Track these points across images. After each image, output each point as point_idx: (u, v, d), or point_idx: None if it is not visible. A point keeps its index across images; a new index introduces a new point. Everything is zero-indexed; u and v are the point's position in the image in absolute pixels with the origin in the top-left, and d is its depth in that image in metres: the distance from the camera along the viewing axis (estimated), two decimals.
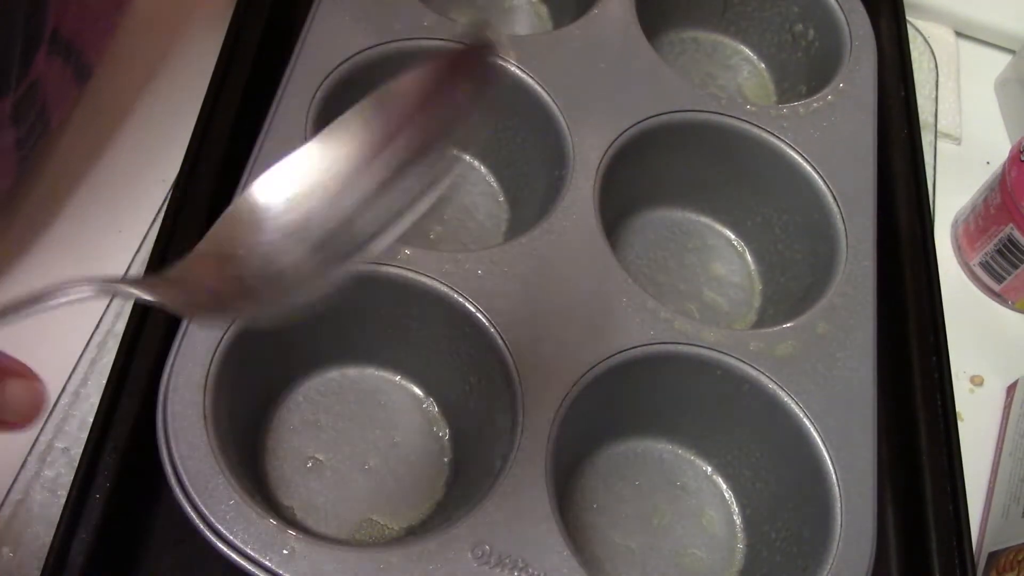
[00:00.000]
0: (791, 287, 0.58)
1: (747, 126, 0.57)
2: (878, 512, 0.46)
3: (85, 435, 0.45)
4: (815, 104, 0.59)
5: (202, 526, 0.40)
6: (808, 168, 0.57)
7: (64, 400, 0.50)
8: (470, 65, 0.31)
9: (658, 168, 0.59)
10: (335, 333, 0.51)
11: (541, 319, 0.48)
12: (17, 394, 0.29)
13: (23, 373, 0.29)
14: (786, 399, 0.49)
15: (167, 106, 0.62)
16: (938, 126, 0.71)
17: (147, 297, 0.30)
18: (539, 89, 0.56)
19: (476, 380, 0.50)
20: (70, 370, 0.51)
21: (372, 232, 0.29)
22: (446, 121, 0.30)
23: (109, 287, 0.29)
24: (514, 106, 0.57)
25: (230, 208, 0.32)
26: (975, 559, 0.54)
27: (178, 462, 0.41)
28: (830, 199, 0.56)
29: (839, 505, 0.46)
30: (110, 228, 0.57)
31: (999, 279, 0.64)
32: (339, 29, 0.55)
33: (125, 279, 0.30)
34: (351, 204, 0.32)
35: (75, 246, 0.56)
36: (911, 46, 0.67)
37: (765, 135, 0.57)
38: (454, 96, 0.31)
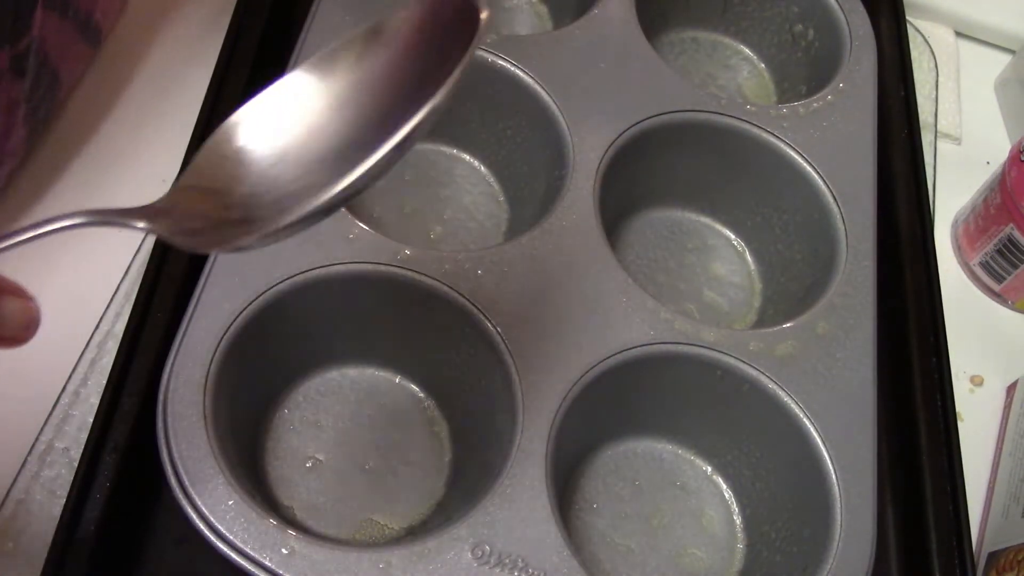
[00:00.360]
0: (791, 287, 0.58)
1: (747, 126, 0.57)
2: (878, 512, 0.46)
3: (85, 435, 0.45)
4: (815, 104, 0.59)
5: (202, 526, 0.40)
6: (808, 168, 0.57)
7: (64, 400, 0.50)
8: (455, 15, 0.32)
9: (658, 168, 0.59)
10: (335, 333, 0.51)
11: (541, 319, 0.48)
12: (12, 311, 0.30)
13: (17, 292, 0.30)
14: (786, 399, 0.49)
15: (170, 98, 0.62)
16: (938, 126, 0.71)
17: (140, 225, 0.30)
18: (539, 89, 0.56)
19: (476, 380, 0.50)
20: (70, 370, 0.51)
21: (355, 165, 0.30)
22: (432, 71, 0.31)
23: (99, 217, 0.30)
24: (514, 106, 0.57)
25: (210, 141, 0.33)
26: (975, 559, 0.54)
27: (178, 462, 0.41)
28: (830, 199, 0.56)
29: (839, 505, 0.46)
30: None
31: (999, 279, 0.64)
32: (339, 29, 0.55)
33: (115, 209, 0.31)
34: (335, 137, 0.32)
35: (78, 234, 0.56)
36: (911, 46, 0.67)
37: (765, 135, 0.57)
38: (441, 46, 0.32)
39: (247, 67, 0.57)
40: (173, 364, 0.44)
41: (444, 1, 0.33)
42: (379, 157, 0.29)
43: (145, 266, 0.50)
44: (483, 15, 0.31)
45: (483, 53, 0.56)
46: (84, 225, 0.30)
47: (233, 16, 0.59)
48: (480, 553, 0.42)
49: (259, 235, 0.30)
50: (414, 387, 0.53)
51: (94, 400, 0.47)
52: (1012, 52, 0.76)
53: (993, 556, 0.53)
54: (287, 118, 0.33)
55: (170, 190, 0.32)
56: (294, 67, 0.34)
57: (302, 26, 0.55)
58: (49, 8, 0.53)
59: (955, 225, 0.68)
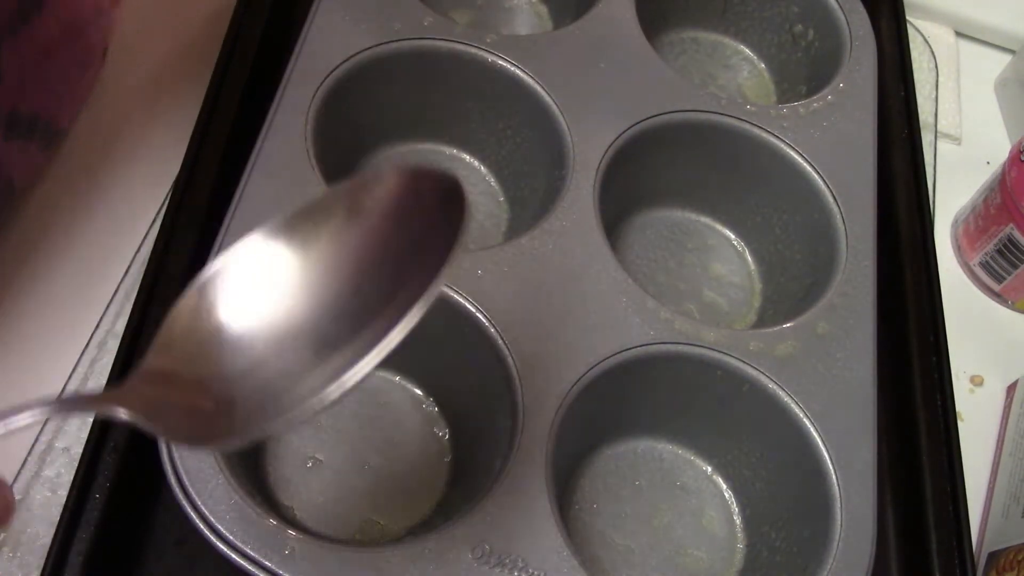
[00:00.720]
0: (791, 287, 0.58)
1: (747, 126, 0.57)
2: (878, 512, 0.46)
3: (85, 435, 0.45)
4: (815, 104, 0.59)
5: (202, 526, 0.40)
6: (808, 168, 0.57)
7: None
8: (437, 192, 0.31)
9: (658, 168, 0.59)
10: None
11: (541, 319, 0.48)
12: None
13: None
14: (786, 399, 0.49)
15: (165, 117, 0.61)
16: (938, 126, 0.71)
17: (121, 414, 0.28)
18: (539, 89, 0.56)
19: (476, 380, 0.50)
20: (70, 370, 0.51)
21: (346, 365, 0.28)
22: (416, 254, 0.30)
23: (65, 408, 0.28)
24: (514, 106, 0.57)
25: (178, 311, 0.31)
26: (975, 559, 0.54)
27: (178, 462, 0.41)
28: (830, 199, 0.56)
29: (839, 505, 0.46)
30: (109, 229, 0.57)
31: (999, 279, 0.64)
32: (339, 29, 0.55)
33: (83, 397, 0.29)
34: (314, 316, 0.30)
35: (70, 259, 0.56)
36: (911, 46, 0.67)
37: (765, 135, 0.57)
38: (423, 227, 0.31)
39: (247, 68, 0.57)
40: None
41: (425, 177, 0.32)
42: (374, 361, 0.28)
43: (145, 266, 0.50)
44: (466, 201, 0.30)
45: (483, 53, 0.56)
46: (47, 417, 0.27)
47: (233, 16, 0.59)
48: (480, 553, 0.42)
49: (248, 440, 0.28)
50: (414, 387, 0.53)
51: None
52: (1012, 52, 0.76)
53: (993, 556, 0.53)
54: (262, 290, 0.31)
55: (138, 369, 0.30)
56: (264, 227, 0.31)
57: (302, 26, 0.55)
58: (14, 137, 0.50)
59: (955, 225, 0.68)
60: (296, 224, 0.32)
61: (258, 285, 0.31)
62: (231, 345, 0.31)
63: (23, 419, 0.27)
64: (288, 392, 0.29)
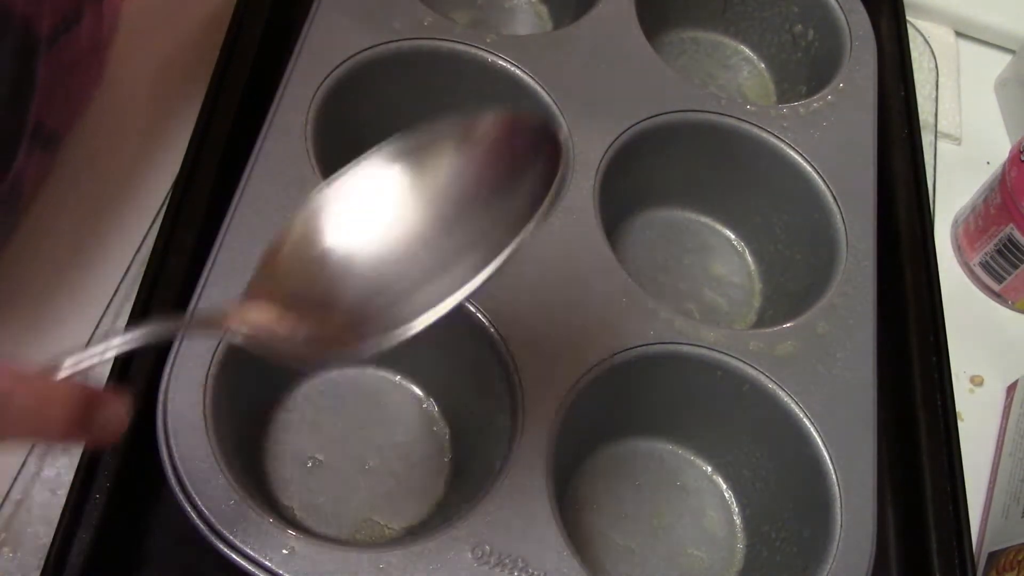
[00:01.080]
0: (791, 287, 0.58)
1: (747, 126, 0.57)
2: (878, 512, 0.46)
3: None
4: (815, 104, 0.59)
5: (202, 526, 0.40)
6: (808, 168, 0.57)
7: None
8: (532, 133, 0.34)
9: (658, 168, 0.59)
10: None
11: (541, 319, 0.48)
12: (109, 416, 0.31)
13: (112, 398, 0.31)
14: (786, 399, 0.49)
15: (165, 117, 0.61)
16: (938, 126, 0.71)
17: (243, 331, 0.31)
18: (539, 89, 0.56)
19: (476, 380, 0.50)
20: None
21: (463, 276, 0.31)
22: (514, 179, 0.33)
23: (192, 323, 0.30)
24: (514, 106, 0.57)
25: (291, 231, 0.33)
26: (975, 559, 0.54)
27: (178, 462, 0.41)
28: (830, 199, 0.56)
29: (839, 505, 0.46)
30: (109, 229, 0.57)
31: (999, 279, 0.64)
32: (339, 29, 0.55)
33: (205, 316, 0.31)
34: (426, 238, 0.33)
35: (76, 257, 0.56)
36: (911, 46, 0.68)
37: (765, 135, 0.57)
38: (520, 160, 0.34)
39: (247, 68, 0.57)
40: (173, 364, 0.44)
41: (522, 119, 0.35)
42: (473, 287, 0.31)
43: (145, 266, 0.50)
44: (563, 146, 0.33)
45: (483, 53, 0.56)
46: (171, 335, 0.30)
47: (233, 16, 0.59)
48: (480, 553, 0.42)
49: (368, 353, 0.31)
50: (414, 387, 0.53)
51: None
52: (1012, 52, 0.76)
53: (993, 556, 0.53)
54: (371, 212, 0.34)
55: (247, 291, 0.32)
56: (371, 154, 0.34)
57: (302, 26, 0.55)
58: (34, 149, 0.50)
59: (955, 225, 0.68)
60: (410, 149, 0.35)
61: (368, 208, 0.34)
62: (344, 263, 0.33)
63: (145, 336, 0.29)
64: (400, 305, 0.32)
